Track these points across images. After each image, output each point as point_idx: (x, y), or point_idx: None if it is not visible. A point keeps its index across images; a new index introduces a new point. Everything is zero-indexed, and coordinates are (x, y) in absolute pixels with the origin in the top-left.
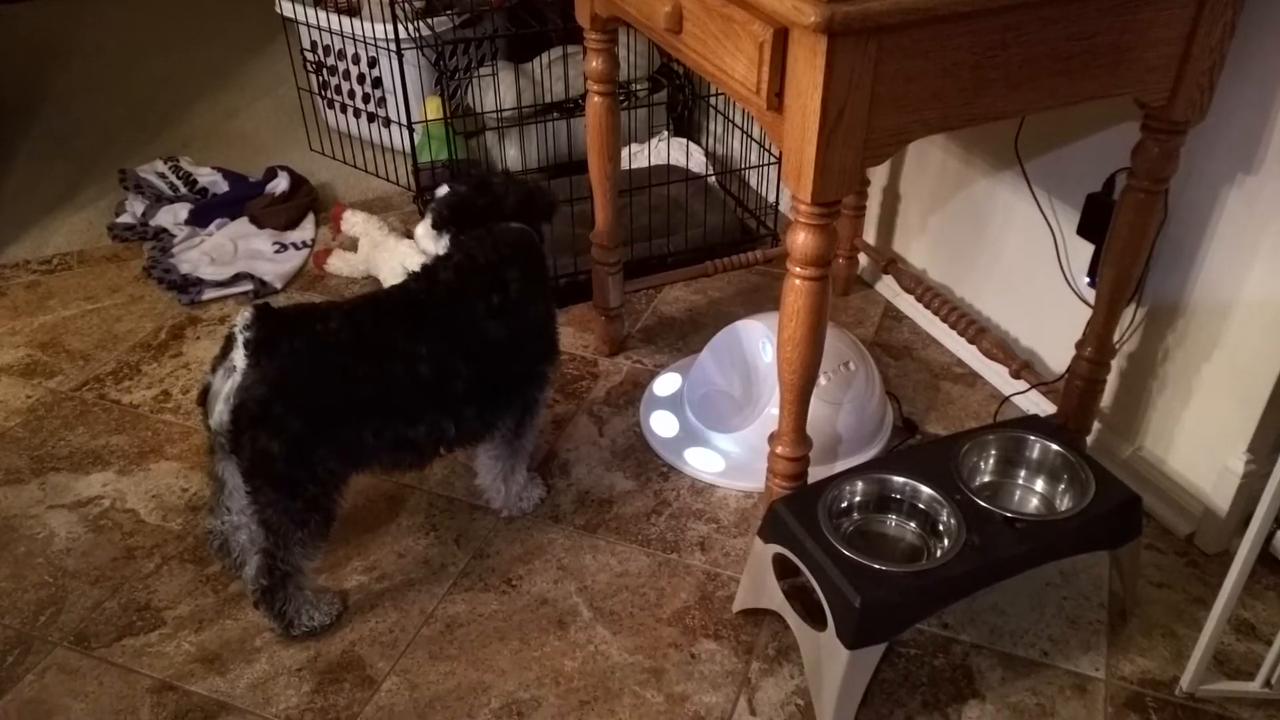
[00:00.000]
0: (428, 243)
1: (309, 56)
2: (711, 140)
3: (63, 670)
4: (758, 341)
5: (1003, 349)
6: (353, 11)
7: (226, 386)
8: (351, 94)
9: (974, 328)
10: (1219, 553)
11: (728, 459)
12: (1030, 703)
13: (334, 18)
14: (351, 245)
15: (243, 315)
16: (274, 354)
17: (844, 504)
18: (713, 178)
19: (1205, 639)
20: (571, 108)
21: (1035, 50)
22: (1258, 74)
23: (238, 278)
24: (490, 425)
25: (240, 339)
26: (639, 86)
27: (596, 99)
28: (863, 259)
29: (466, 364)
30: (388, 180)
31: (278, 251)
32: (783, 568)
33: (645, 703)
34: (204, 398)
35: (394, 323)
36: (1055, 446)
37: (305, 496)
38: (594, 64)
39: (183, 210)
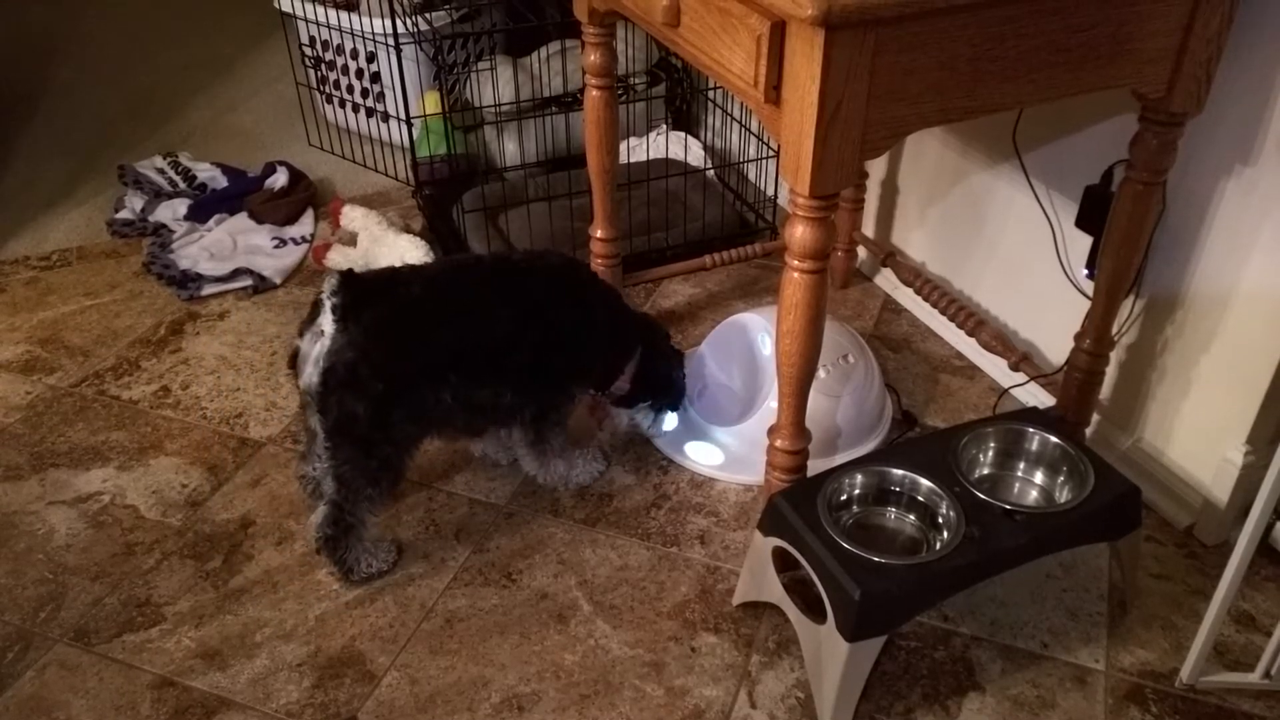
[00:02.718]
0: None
1: (307, 51)
2: (710, 134)
3: (63, 667)
4: (756, 335)
5: (1001, 341)
6: (351, 6)
7: (315, 350)
8: (350, 89)
9: (973, 320)
10: (1218, 544)
11: (727, 452)
12: (1030, 694)
13: (332, 12)
14: (351, 240)
15: (329, 282)
16: (359, 319)
17: (843, 497)
18: (711, 171)
19: (1205, 630)
20: (570, 102)
21: (1033, 42)
22: (1255, 65)
23: (237, 273)
24: (525, 409)
25: (328, 304)
26: (637, 80)
27: (595, 93)
28: (861, 252)
29: (537, 337)
30: (387, 175)
31: (277, 247)
32: (782, 561)
33: (645, 696)
34: (294, 360)
35: (481, 285)
36: (1054, 439)
37: (380, 456)
38: (592, 58)
39: (182, 206)
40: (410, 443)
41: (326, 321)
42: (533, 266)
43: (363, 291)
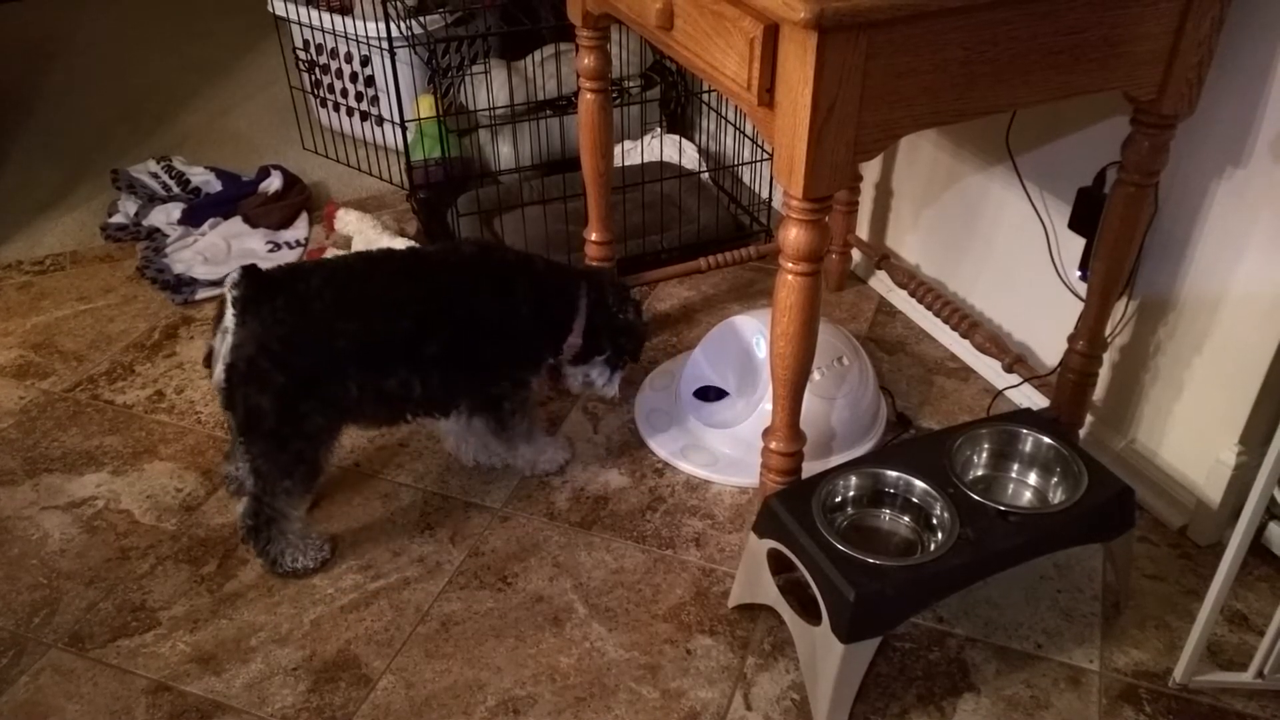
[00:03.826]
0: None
1: (301, 55)
2: (704, 137)
3: (57, 672)
4: (751, 337)
5: (996, 343)
6: (345, 10)
7: (224, 346)
8: (344, 92)
9: (967, 322)
10: (1211, 544)
11: (722, 455)
12: (1025, 695)
13: (326, 16)
14: (345, 244)
15: (231, 277)
16: (258, 313)
17: (838, 499)
18: (706, 174)
19: (1198, 630)
20: (564, 105)
21: (1025, 45)
22: (1246, 67)
23: None
24: (451, 400)
25: (229, 298)
26: (632, 83)
27: (589, 96)
28: (856, 254)
29: (447, 330)
30: (381, 179)
31: (271, 250)
32: (778, 563)
33: (641, 699)
34: (208, 359)
35: (385, 277)
36: (1048, 440)
37: (292, 449)
38: (586, 61)
39: (176, 210)
40: (322, 434)
41: (229, 317)
42: (444, 258)
43: (263, 286)
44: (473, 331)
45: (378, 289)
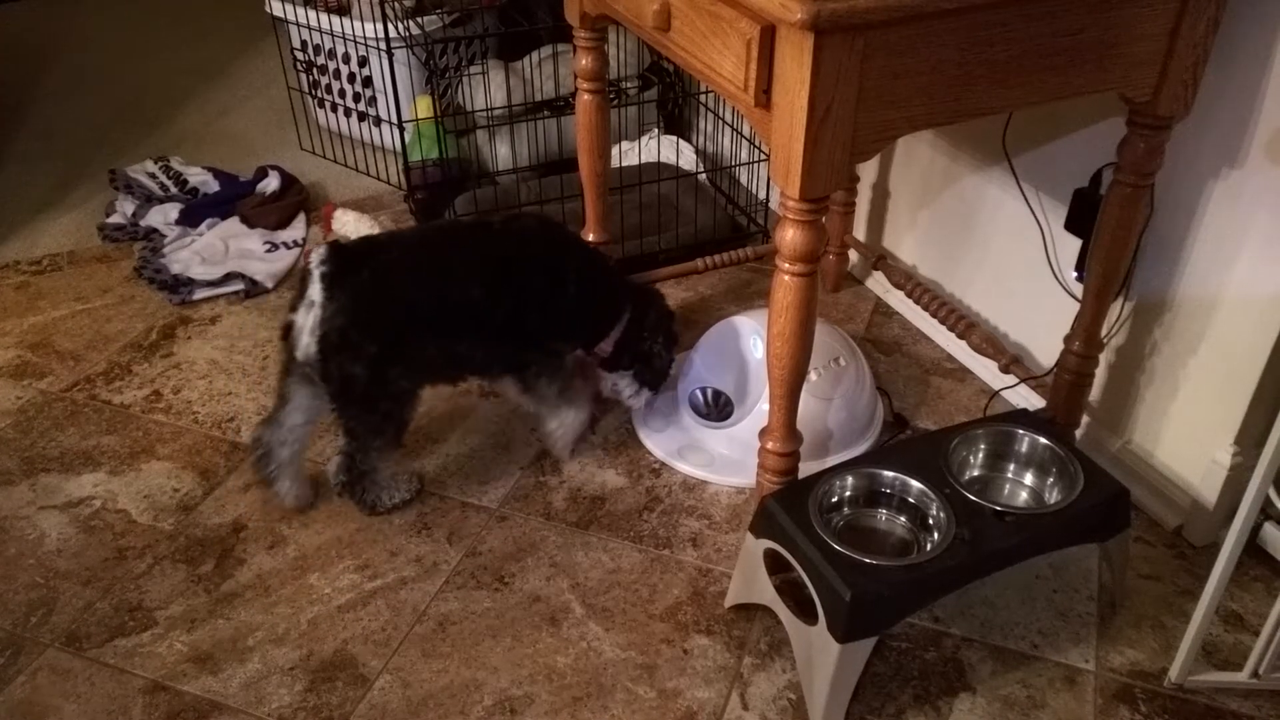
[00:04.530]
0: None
1: (299, 56)
2: (702, 138)
3: (54, 671)
4: (748, 338)
5: (992, 344)
6: (343, 11)
7: (310, 320)
8: (342, 93)
9: (963, 323)
10: (1207, 545)
11: (719, 455)
12: (1021, 695)
13: (324, 17)
14: None
15: (317, 253)
16: (345, 286)
17: (835, 499)
18: (703, 175)
19: (1193, 630)
20: (562, 106)
21: (1021, 46)
22: (1242, 68)
23: (229, 277)
24: (496, 363)
25: (316, 274)
26: (629, 84)
27: (586, 97)
28: (853, 255)
29: (509, 297)
30: (379, 179)
31: (269, 251)
32: (774, 563)
33: (638, 699)
34: (287, 332)
35: (456, 246)
36: (1044, 440)
37: (382, 410)
38: (584, 62)
39: (173, 210)
40: (409, 396)
41: (315, 291)
42: (506, 229)
43: (346, 260)
44: (525, 299)
45: (448, 258)
